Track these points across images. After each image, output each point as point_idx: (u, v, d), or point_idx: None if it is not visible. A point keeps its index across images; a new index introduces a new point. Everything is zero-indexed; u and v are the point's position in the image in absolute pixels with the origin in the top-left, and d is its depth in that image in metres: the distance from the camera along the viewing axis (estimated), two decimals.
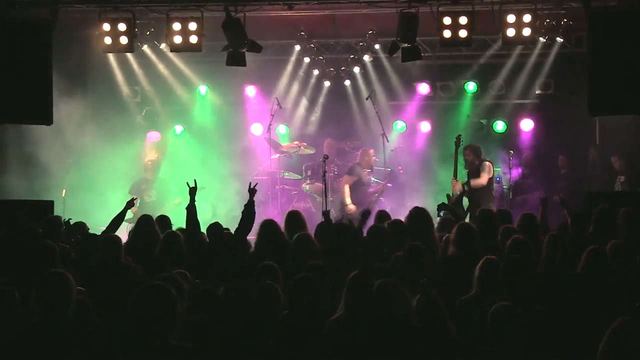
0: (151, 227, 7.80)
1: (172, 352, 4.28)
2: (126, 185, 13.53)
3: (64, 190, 12.83)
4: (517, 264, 5.70)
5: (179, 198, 13.05)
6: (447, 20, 10.75)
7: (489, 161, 11.72)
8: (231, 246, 7.41)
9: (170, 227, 8.21)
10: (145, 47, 13.45)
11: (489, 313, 4.91)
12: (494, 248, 7.13)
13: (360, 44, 14.25)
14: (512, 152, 12.74)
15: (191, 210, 7.61)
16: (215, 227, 7.84)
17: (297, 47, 14.29)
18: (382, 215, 8.81)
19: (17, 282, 5.66)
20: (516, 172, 13.43)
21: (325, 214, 8.02)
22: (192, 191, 7.73)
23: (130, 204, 8.60)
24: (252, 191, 7.78)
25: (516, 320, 4.86)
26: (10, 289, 5.29)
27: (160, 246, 7.25)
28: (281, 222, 8.08)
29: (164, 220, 8.43)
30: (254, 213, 7.66)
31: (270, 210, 13.25)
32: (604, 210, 7.69)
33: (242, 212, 7.63)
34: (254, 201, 7.68)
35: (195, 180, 7.85)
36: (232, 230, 7.95)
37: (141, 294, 4.37)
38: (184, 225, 7.88)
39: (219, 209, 13.23)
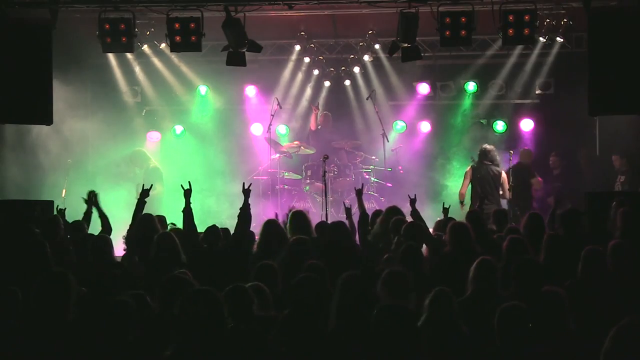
0: (154, 226, 7.80)
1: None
2: (126, 186, 13.54)
3: (64, 190, 12.83)
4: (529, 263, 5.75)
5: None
6: (447, 20, 10.73)
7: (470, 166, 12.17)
8: (229, 247, 7.41)
9: (166, 227, 8.23)
10: (145, 47, 13.46)
11: (498, 312, 4.90)
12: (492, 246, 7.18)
13: (360, 44, 14.27)
14: (512, 152, 12.75)
15: (187, 212, 7.60)
16: (212, 230, 7.83)
17: (297, 47, 14.30)
18: (379, 215, 8.81)
19: (13, 280, 5.67)
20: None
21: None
22: (187, 193, 7.72)
23: (145, 194, 8.19)
24: (246, 192, 7.79)
25: (524, 318, 4.85)
26: (12, 288, 5.29)
27: (155, 247, 7.20)
28: (282, 223, 8.10)
29: (161, 220, 8.44)
30: (250, 214, 7.67)
31: (271, 210, 13.24)
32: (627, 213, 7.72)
33: (239, 215, 7.64)
34: (249, 203, 7.69)
35: (189, 182, 7.85)
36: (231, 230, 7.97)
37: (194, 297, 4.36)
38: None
39: (217, 208, 13.21)
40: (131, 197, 13.18)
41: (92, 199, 8.39)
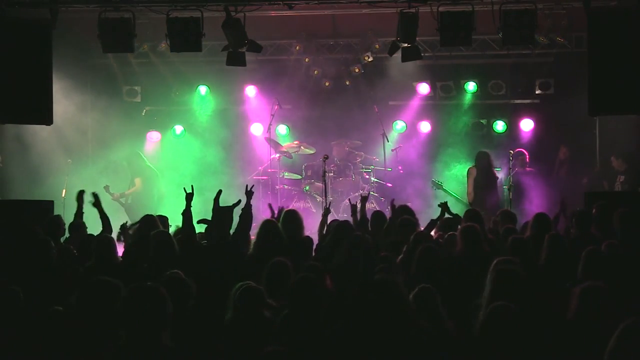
0: (155, 227, 7.81)
1: (162, 353, 4.28)
2: (126, 186, 13.54)
3: (64, 190, 12.83)
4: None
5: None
6: (447, 20, 10.72)
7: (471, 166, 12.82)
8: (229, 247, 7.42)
9: (168, 228, 8.25)
10: (145, 47, 13.44)
11: (487, 312, 4.92)
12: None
13: (360, 44, 14.26)
14: (512, 152, 12.77)
15: (187, 214, 7.63)
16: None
17: (297, 47, 14.29)
18: (379, 215, 8.84)
19: (16, 279, 5.68)
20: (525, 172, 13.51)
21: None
22: (189, 196, 7.75)
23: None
24: (249, 193, 7.83)
25: (515, 319, 4.87)
26: (15, 288, 5.30)
27: (154, 246, 7.20)
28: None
29: (163, 220, 8.46)
30: (252, 215, 7.70)
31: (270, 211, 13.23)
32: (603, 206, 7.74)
33: (240, 215, 7.66)
34: (251, 204, 7.72)
35: (192, 186, 7.87)
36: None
37: (132, 295, 4.36)
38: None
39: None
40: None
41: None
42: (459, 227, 7.52)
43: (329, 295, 5.64)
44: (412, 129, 14.80)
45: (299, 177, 14.13)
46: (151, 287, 4.43)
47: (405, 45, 11.36)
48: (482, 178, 12.51)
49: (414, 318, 4.91)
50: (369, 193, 9.98)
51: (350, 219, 8.77)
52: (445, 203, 8.93)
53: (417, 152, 14.66)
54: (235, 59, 11.51)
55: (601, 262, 6.15)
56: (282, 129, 14.91)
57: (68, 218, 8.77)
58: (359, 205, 9.03)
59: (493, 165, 12.79)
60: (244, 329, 5.35)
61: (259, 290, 5.52)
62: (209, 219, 7.69)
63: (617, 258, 6.32)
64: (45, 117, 10.55)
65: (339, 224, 7.91)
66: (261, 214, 12.52)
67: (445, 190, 13.40)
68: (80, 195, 8.59)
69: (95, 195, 8.44)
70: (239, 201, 7.68)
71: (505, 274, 5.40)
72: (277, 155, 14.05)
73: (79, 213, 8.53)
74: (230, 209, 7.56)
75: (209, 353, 5.17)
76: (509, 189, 12.41)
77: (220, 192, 7.66)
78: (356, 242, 6.84)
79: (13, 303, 5.26)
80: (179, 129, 14.96)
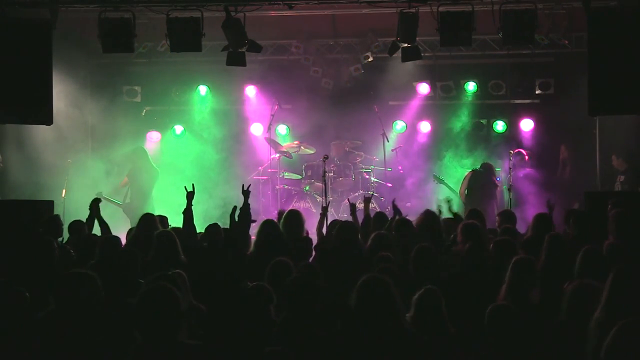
0: (155, 226, 7.81)
1: (180, 350, 4.30)
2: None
3: (64, 190, 12.84)
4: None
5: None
6: (447, 20, 10.72)
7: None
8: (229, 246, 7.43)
9: (167, 228, 8.25)
10: (145, 47, 13.44)
11: (487, 312, 4.92)
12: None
13: (360, 44, 14.26)
14: (512, 152, 12.77)
15: (188, 213, 7.64)
16: (213, 228, 7.85)
17: (297, 47, 14.30)
18: (381, 216, 8.86)
19: (19, 279, 5.68)
20: (523, 172, 13.54)
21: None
22: (190, 195, 7.76)
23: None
24: (246, 193, 7.83)
25: (514, 319, 4.87)
26: (20, 289, 5.30)
27: (155, 246, 7.22)
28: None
29: (163, 220, 8.47)
30: (250, 214, 7.71)
31: (271, 211, 13.26)
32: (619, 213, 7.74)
33: (238, 214, 7.67)
34: (249, 203, 7.73)
35: (193, 185, 7.88)
36: None
37: (147, 295, 4.38)
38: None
39: (216, 208, 13.21)
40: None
41: (95, 207, 8.43)
42: (460, 224, 7.52)
43: (326, 295, 5.64)
44: (412, 129, 14.80)
45: (299, 177, 14.13)
46: (165, 286, 4.47)
47: (405, 45, 11.37)
48: (476, 182, 12.51)
49: (400, 317, 4.90)
50: (372, 194, 9.98)
51: (350, 219, 8.78)
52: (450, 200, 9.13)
53: (417, 152, 14.66)
54: (235, 59, 11.51)
55: (598, 262, 6.15)
56: (282, 129, 14.90)
57: (68, 218, 8.78)
58: (360, 206, 9.05)
59: (494, 175, 12.90)
60: (252, 328, 5.35)
61: (269, 291, 5.53)
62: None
63: (615, 258, 6.31)
64: (45, 117, 10.55)
65: (343, 224, 7.90)
66: (262, 214, 12.56)
67: (447, 185, 13.43)
68: (95, 203, 8.52)
69: (94, 203, 8.42)
70: (254, 220, 7.75)
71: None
72: (277, 155, 14.05)
73: (92, 219, 8.46)
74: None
75: (224, 351, 5.18)
76: (508, 189, 12.41)
77: (235, 208, 7.67)
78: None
79: (20, 304, 5.25)
80: (179, 129, 14.96)
